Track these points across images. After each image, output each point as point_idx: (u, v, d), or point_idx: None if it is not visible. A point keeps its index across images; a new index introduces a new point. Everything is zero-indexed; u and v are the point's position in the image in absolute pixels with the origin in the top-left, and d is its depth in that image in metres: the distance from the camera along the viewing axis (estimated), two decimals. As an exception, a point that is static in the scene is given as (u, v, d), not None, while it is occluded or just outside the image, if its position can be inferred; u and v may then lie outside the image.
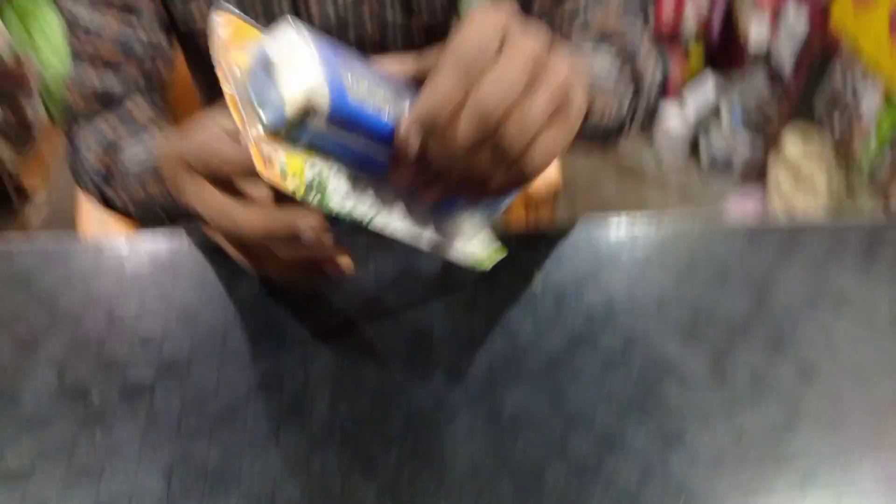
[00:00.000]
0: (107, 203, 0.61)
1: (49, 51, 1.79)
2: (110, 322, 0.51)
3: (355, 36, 0.68)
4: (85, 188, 0.63)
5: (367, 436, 0.46)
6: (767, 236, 0.62)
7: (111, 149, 0.59)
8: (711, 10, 2.06)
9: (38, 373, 0.48)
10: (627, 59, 0.58)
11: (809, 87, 1.76)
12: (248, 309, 0.53)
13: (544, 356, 0.51)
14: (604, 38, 0.60)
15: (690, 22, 2.08)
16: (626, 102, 0.55)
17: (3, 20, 1.68)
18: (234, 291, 0.54)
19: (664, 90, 2.23)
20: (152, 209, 0.55)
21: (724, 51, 2.08)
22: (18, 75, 1.68)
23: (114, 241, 0.57)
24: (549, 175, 1.01)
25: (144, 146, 0.56)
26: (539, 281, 0.57)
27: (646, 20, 0.67)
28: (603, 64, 0.55)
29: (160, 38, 0.65)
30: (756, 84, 1.97)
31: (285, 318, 0.52)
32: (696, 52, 2.20)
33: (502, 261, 0.46)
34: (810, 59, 1.74)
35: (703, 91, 2.08)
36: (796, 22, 1.78)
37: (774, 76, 1.92)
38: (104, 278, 0.55)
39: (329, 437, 0.45)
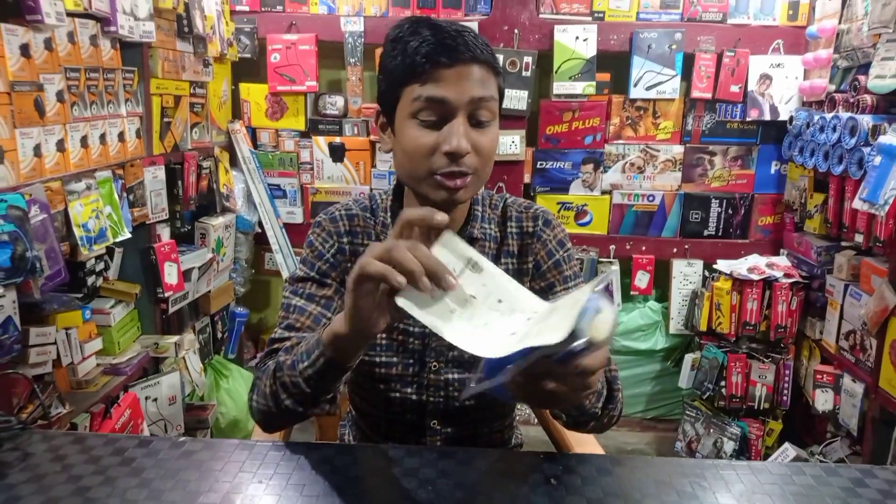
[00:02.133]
0: (277, 407, 0.87)
1: (228, 399, 2.31)
2: None
3: None
4: (256, 401, 0.90)
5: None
6: None
7: (286, 352, 0.87)
8: (779, 382, 2.31)
9: None
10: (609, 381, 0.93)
11: (878, 439, 1.86)
12: None
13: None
14: None
15: (760, 392, 2.31)
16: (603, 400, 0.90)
17: (206, 375, 2.26)
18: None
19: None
20: (313, 385, 0.81)
21: (800, 421, 2.24)
22: (201, 413, 2.17)
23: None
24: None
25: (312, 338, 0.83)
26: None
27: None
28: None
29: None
30: (833, 448, 2.07)
31: None
32: (775, 426, 2.37)
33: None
34: (872, 416, 1.89)
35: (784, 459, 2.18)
36: (853, 387, 1.98)
37: (847, 437, 2.03)
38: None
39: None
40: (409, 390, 1.02)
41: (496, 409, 1.08)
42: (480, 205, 1.04)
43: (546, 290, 1.03)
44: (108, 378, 1.77)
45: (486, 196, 1.07)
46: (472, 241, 1.02)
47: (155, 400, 1.90)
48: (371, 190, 2.65)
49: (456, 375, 1.02)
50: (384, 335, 1.02)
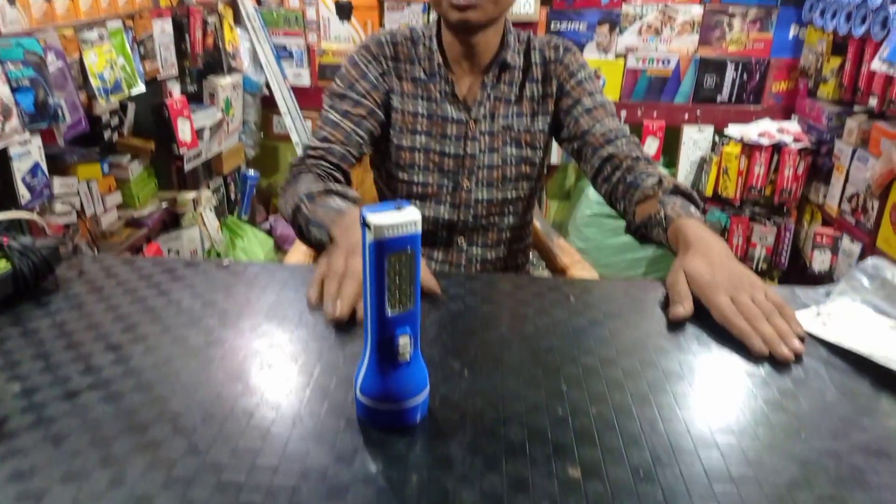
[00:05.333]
0: (294, 217, 0.94)
1: (245, 258, 2.40)
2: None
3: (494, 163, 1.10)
4: (285, 203, 0.96)
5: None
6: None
7: (322, 190, 0.93)
8: (779, 244, 2.39)
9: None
10: (679, 192, 0.95)
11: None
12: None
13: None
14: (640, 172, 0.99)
15: (759, 253, 2.40)
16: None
17: (222, 233, 2.33)
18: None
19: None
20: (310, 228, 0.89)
21: (795, 281, 2.34)
22: (222, 271, 2.26)
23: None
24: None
25: (337, 202, 0.92)
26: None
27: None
28: (685, 203, 0.91)
29: (367, 145, 1.06)
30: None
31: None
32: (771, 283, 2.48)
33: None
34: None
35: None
36: (851, 247, 2.05)
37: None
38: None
39: None
40: (441, 208, 1.11)
41: (514, 231, 1.17)
42: (512, 34, 1.10)
43: (573, 106, 1.08)
44: (131, 230, 1.84)
45: (514, 31, 1.12)
46: (504, 66, 1.08)
47: (177, 252, 1.97)
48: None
49: (485, 195, 1.11)
50: (422, 155, 1.09)
